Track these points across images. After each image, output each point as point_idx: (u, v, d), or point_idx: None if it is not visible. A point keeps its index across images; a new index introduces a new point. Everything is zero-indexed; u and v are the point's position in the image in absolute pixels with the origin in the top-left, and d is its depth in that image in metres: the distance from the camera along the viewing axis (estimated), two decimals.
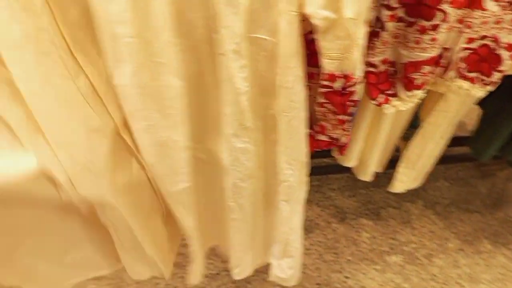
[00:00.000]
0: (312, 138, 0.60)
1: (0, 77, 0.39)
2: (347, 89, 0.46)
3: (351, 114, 0.51)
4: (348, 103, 0.49)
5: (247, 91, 0.46)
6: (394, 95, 0.66)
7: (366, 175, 0.95)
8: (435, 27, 0.55)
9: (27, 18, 0.36)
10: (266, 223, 0.72)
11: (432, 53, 0.58)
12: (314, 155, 1.41)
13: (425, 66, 0.60)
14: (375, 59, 0.63)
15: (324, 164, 1.49)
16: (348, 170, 1.45)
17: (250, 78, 0.45)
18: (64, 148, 0.45)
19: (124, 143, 0.51)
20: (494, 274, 1.21)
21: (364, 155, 0.88)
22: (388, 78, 0.65)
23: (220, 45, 0.42)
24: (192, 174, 0.56)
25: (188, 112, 0.49)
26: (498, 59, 0.60)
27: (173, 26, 0.40)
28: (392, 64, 0.64)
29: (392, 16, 0.57)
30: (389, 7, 0.56)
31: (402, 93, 0.65)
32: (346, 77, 0.45)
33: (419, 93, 0.65)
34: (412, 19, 0.56)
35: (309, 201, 1.40)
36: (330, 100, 0.49)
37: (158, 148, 0.49)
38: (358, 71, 0.45)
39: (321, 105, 0.50)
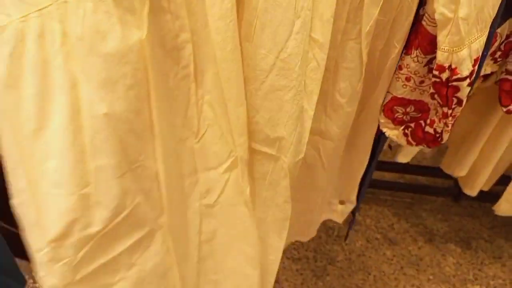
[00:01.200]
0: (421, 130, 0.66)
1: None
2: (452, 83, 0.53)
3: (453, 109, 0.57)
4: (451, 97, 0.55)
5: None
6: None
7: (473, 190, 0.98)
8: None
9: None
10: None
11: None
12: (409, 169, 1.45)
13: None
14: None
15: (419, 184, 1.52)
16: (443, 194, 1.46)
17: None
18: None
19: None
20: None
21: (476, 166, 0.92)
22: None
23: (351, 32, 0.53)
24: None
25: None
26: None
27: None
28: None
29: None
30: None
31: None
32: (452, 70, 0.51)
33: None
34: None
35: (398, 215, 1.43)
36: (437, 91, 0.55)
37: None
38: (464, 68, 0.50)
39: (432, 96, 0.58)
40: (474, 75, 0.51)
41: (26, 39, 0.34)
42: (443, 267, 1.30)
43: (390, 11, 0.52)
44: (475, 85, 0.82)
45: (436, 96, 0.55)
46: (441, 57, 0.49)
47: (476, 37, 0.47)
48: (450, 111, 0.54)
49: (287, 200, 0.59)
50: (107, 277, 0.47)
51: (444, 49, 0.49)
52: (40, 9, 0.33)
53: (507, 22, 0.64)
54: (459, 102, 0.53)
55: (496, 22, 0.50)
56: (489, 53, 0.69)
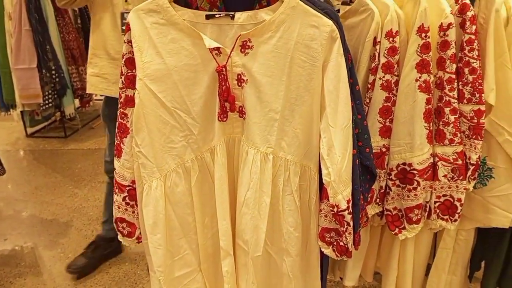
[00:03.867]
0: (338, 245, 1.05)
1: None
2: (339, 213, 0.97)
3: (346, 229, 0.98)
4: (342, 221, 0.98)
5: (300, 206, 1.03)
6: (404, 228, 1.18)
7: None
8: (415, 189, 1.12)
9: None
10: None
11: (417, 202, 1.13)
12: None
13: (415, 210, 1.14)
14: (389, 207, 1.19)
15: None
16: None
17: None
18: None
19: None
20: None
21: (398, 281, 1.31)
22: (399, 218, 1.19)
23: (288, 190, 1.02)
24: None
25: None
26: (456, 208, 1.12)
27: None
28: (400, 210, 1.18)
29: (393, 184, 1.15)
30: (391, 179, 1.15)
31: (407, 226, 1.17)
32: (337, 206, 0.97)
33: (417, 227, 1.16)
34: (403, 185, 1.14)
35: None
36: (335, 218, 1.00)
37: None
38: (342, 205, 0.96)
39: (335, 220, 1.02)
40: (351, 209, 0.98)
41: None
42: None
43: (305, 180, 1.02)
44: (380, 222, 1.29)
45: (335, 221, 1.01)
46: (331, 199, 0.97)
47: (342, 189, 0.96)
48: (344, 230, 0.99)
49: (254, 281, 1.03)
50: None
51: (330, 195, 0.97)
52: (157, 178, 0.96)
53: (376, 183, 1.16)
54: (348, 223, 0.99)
55: (356, 183, 0.99)
56: (373, 200, 1.19)
